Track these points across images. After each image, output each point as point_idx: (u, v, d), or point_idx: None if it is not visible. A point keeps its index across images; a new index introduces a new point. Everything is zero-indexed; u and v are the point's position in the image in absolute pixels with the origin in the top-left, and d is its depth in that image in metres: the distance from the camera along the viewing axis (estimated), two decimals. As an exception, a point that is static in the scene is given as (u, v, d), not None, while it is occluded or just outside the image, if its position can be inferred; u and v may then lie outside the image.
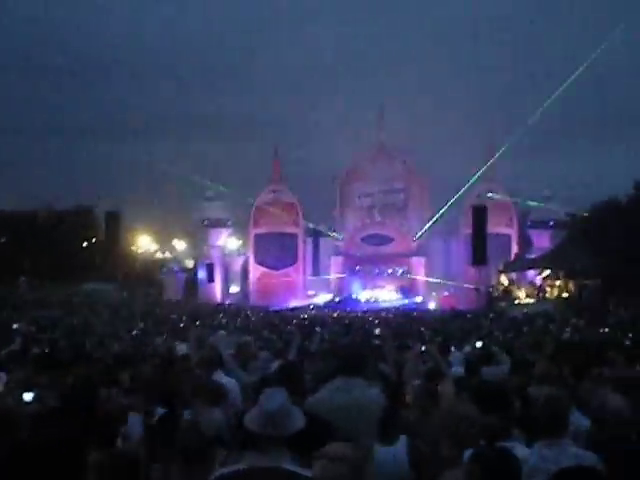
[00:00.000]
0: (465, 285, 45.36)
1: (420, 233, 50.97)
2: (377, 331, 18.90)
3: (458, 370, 7.72)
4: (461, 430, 4.31)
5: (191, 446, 4.45)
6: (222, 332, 17.59)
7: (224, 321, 29.55)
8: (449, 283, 47.23)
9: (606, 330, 21.04)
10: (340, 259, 52.83)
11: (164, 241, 57.21)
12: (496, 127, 42.12)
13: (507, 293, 42.22)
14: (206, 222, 52.80)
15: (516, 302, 40.19)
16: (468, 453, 3.80)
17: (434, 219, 49.86)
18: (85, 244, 60.42)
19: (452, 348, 11.48)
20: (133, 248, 55.34)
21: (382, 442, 5.07)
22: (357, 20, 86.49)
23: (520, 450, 4.25)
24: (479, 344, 11.48)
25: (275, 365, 9.20)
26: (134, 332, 22.26)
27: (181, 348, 11.09)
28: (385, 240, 52.42)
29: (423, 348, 10.90)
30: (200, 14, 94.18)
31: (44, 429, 4.17)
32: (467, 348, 11.05)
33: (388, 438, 5.11)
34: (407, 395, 6.40)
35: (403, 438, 5.10)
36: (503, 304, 39.60)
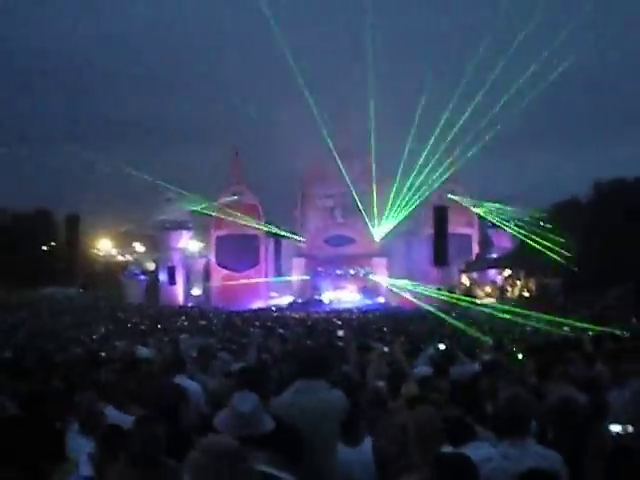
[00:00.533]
0: (427, 285, 45.56)
1: (382, 234, 51.05)
2: (340, 333, 18.92)
3: (422, 370, 7.73)
4: (427, 432, 4.30)
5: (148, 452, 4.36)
6: (184, 335, 17.52)
7: (186, 324, 29.42)
8: (411, 283, 47.39)
9: (566, 329, 21.26)
10: (302, 260, 52.83)
11: (125, 244, 56.78)
12: (457, 128, 42.29)
13: (469, 293, 42.51)
14: (167, 224, 52.47)
15: (478, 302, 40.48)
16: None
17: (397, 220, 49.97)
18: (45, 248, 59.71)
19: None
20: (94, 251, 54.87)
21: (347, 443, 5.06)
22: (318, 22, 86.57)
23: (485, 450, 4.26)
24: (442, 346, 11.51)
25: (236, 366, 9.17)
26: (94, 336, 22.08)
27: (142, 352, 11.01)
28: (347, 241, 52.56)
29: (386, 349, 10.93)
30: (164, 18, 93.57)
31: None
32: (431, 349, 11.07)
33: (353, 439, 5.11)
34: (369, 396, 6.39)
35: (368, 439, 5.09)
36: (464, 304, 39.86)
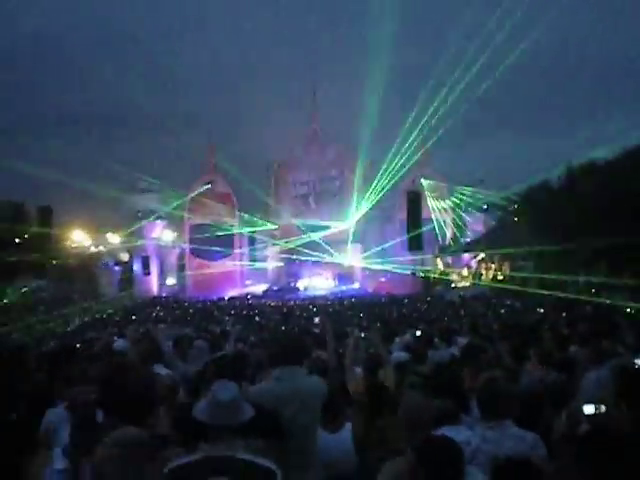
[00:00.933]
0: (401, 270, 45.68)
1: (356, 220, 51.11)
2: (316, 319, 18.94)
3: (400, 356, 7.74)
4: (416, 417, 4.31)
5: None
6: (161, 325, 17.46)
7: (162, 314, 29.33)
8: (385, 268, 47.47)
9: (541, 311, 21.42)
10: (276, 248, 52.81)
11: (97, 235, 56.34)
12: (430, 112, 42.34)
13: (443, 277, 42.72)
14: (140, 214, 52.16)
15: (452, 286, 40.69)
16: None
17: (371, 206, 50.00)
18: (17, 240, 59.11)
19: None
20: (66, 243, 54.39)
21: (326, 429, 5.07)
22: (288, 7, 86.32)
23: (464, 434, 4.28)
24: (418, 333, 11.54)
25: (213, 355, 9.14)
26: (69, 329, 21.99)
27: (118, 344, 10.92)
28: (321, 228, 52.55)
29: (362, 335, 10.94)
30: (138, 12, 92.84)
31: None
32: (407, 335, 11.09)
33: (332, 425, 5.12)
34: (348, 382, 6.39)
35: (348, 425, 5.11)
36: (439, 288, 40.05)
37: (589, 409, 4.37)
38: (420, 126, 44.98)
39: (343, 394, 5.66)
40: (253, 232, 51.72)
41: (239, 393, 3.81)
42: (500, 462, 3.77)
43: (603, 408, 4.38)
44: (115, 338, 12.84)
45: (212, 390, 3.78)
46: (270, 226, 52.70)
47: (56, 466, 4.40)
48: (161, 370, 7.10)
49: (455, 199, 49.99)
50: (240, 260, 52.02)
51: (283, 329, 16.58)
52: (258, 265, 51.76)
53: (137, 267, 51.82)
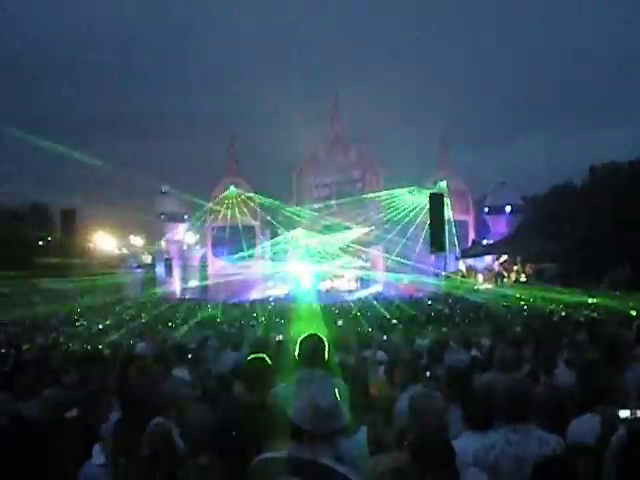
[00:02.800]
0: (422, 274, 45.54)
1: (379, 222, 51.02)
2: (339, 322, 18.93)
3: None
4: (427, 421, 4.29)
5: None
6: (184, 327, 17.58)
7: (185, 316, 29.41)
8: (407, 271, 47.32)
9: (563, 314, 21.27)
10: (299, 250, 52.78)
11: (121, 237, 56.63)
12: (452, 115, 42.32)
13: (465, 279, 42.56)
14: (163, 217, 52.39)
15: (475, 288, 40.50)
16: None
17: (393, 207, 49.88)
18: (41, 243, 59.55)
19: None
20: (90, 245, 54.71)
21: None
22: (309, 9, 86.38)
23: (489, 437, 4.27)
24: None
25: (230, 356, 9.17)
26: (93, 330, 22.09)
27: (141, 346, 11.00)
28: (343, 229, 52.48)
29: (385, 337, 10.93)
30: (157, 14, 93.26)
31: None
32: (425, 340, 11.05)
33: (349, 428, 5.09)
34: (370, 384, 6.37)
35: (364, 428, 5.08)
36: (461, 290, 39.88)
37: (624, 413, 4.33)
38: (444, 128, 44.92)
39: (362, 397, 5.63)
40: (275, 234, 51.75)
41: (337, 397, 3.73)
42: (542, 461, 3.74)
43: (639, 413, 4.34)
44: (138, 340, 12.93)
45: (311, 393, 3.71)
46: (292, 228, 52.68)
47: (95, 461, 4.48)
48: (180, 373, 7.15)
49: (477, 200, 49.83)
50: (262, 263, 52.10)
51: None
52: (280, 267, 51.75)
53: (160, 269, 52.02)
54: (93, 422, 5.17)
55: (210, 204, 51.48)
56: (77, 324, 26.64)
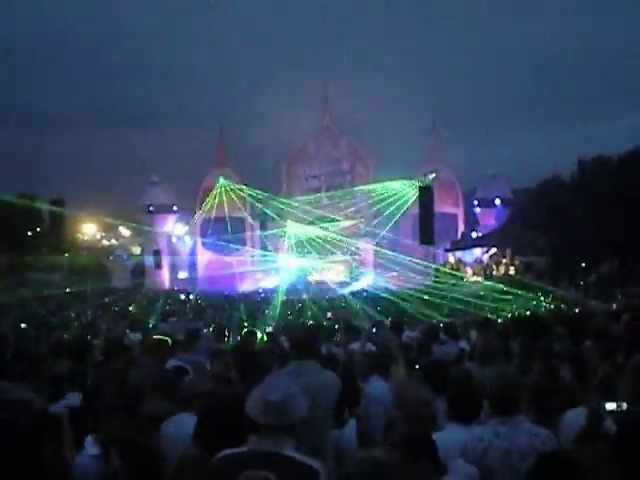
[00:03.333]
0: (412, 264, 45.55)
1: (368, 214, 51.04)
2: (329, 314, 18.98)
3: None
4: (413, 413, 4.31)
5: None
6: (172, 319, 17.56)
7: (174, 308, 29.42)
8: (397, 263, 47.31)
9: (551, 307, 21.39)
10: (289, 242, 52.71)
11: (110, 228, 56.49)
12: (442, 107, 42.33)
13: (454, 272, 42.60)
14: (152, 208, 52.26)
15: (464, 280, 40.57)
16: None
17: (383, 199, 49.88)
18: (30, 234, 59.36)
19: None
20: (78, 236, 54.60)
21: (333, 425, 5.06)
22: (298, 4, 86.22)
23: (475, 430, 4.29)
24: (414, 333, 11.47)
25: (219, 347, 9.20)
26: (82, 321, 22.03)
27: (131, 337, 10.98)
28: (333, 222, 52.47)
29: (374, 329, 10.94)
30: (149, 10, 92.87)
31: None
32: (414, 332, 11.06)
33: (337, 421, 5.10)
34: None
35: (352, 422, 5.09)
36: (451, 283, 39.93)
37: (610, 406, 4.36)
38: (433, 120, 44.91)
39: (352, 390, 5.65)
40: (265, 226, 51.70)
41: (292, 390, 3.78)
42: (542, 456, 3.75)
43: (625, 405, 4.37)
44: (127, 331, 12.92)
45: (263, 388, 3.79)
46: (281, 220, 52.62)
47: (88, 452, 4.52)
48: (175, 363, 7.17)
49: (467, 193, 49.88)
50: (252, 254, 52.06)
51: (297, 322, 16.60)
52: (269, 259, 51.71)
53: (149, 260, 51.92)
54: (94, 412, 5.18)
55: (199, 195, 51.37)
56: (66, 314, 26.56)
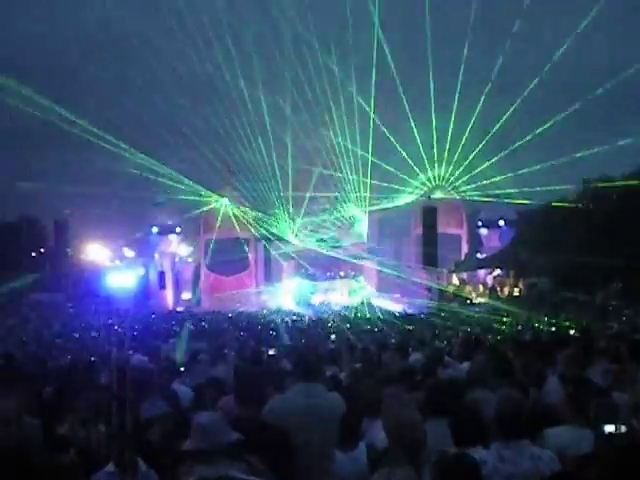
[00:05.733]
0: (416, 286, 45.47)
1: (372, 236, 51.07)
2: (332, 336, 18.92)
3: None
4: (406, 435, 4.29)
5: None
6: (172, 340, 17.49)
7: (177, 329, 29.34)
8: (400, 284, 47.18)
9: (553, 329, 21.29)
10: (292, 263, 52.70)
11: (113, 249, 56.47)
12: (446, 129, 42.39)
13: (458, 293, 42.54)
14: (156, 229, 52.36)
15: (467, 302, 40.50)
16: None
17: (387, 221, 49.91)
18: (34, 254, 59.37)
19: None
20: (82, 257, 54.56)
21: (341, 448, 5.03)
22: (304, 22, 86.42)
23: (478, 453, 4.28)
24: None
25: (218, 369, 9.18)
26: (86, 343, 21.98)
27: (136, 358, 10.97)
28: (336, 242, 52.46)
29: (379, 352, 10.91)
30: (155, 22, 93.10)
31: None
32: (417, 355, 10.98)
33: (347, 444, 5.07)
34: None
35: (362, 445, 5.07)
36: (455, 304, 39.85)
37: (609, 428, 4.36)
38: (437, 141, 45.00)
39: (360, 413, 5.63)
40: (269, 247, 51.73)
41: (219, 415, 3.82)
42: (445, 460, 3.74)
43: (623, 428, 4.37)
44: (130, 352, 12.90)
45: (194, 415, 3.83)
46: (285, 241, 52.64)
47: (106, 469, 4.55)
48: (179, 387, 7.19)
49: (471, 214, 49.92)
50: (255, 275, 52.13)
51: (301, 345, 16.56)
52: (273, 281, 51.74)
53: (152, 281, 51.89)
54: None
55: (204, 216, 51.47)
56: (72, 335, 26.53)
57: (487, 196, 46.16)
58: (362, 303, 48.00)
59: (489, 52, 41.18)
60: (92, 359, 12.23)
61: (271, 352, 12.25)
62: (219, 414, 3.84)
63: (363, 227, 51.53)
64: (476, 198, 46.30)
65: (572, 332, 17.79)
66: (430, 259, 37.76)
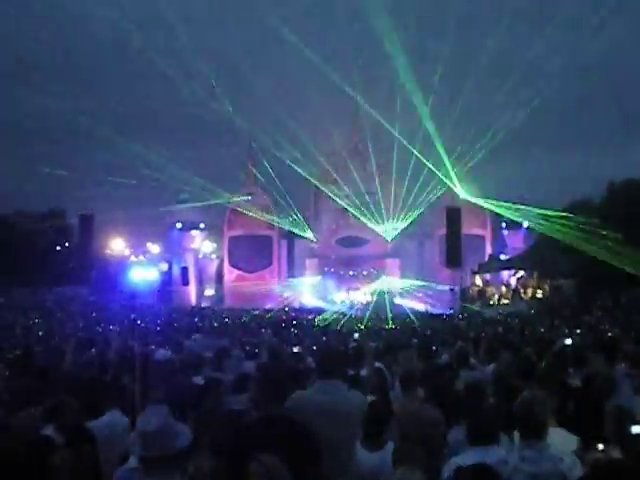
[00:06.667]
0: (439, 287, 45.40)
1: (395, 235, 50.93)
2: (355, 335, 18.89)
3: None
4: (425, 433, 4.30)
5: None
6: (197, 335, 17.55)
7: (200, 324, 29.44)
8: (423, 284, 47.10)
9: (577, 332, 21.13)
10: (315, 261, 52.72)
11: (138, 244, 56.72)
12: (469, 127, 42.12)
13: (481, 294, 42.38)
14: (180, 225, 52.59)
15: (490, 303, 40.34)
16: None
17: (409, 221, 49.76)
18: (58, 248, 59.79)
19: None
20: (107, 251, 54.87)
21: (368, 447, 5.01)
22: (330, 24, 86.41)
23: (497, 453, 4.29)
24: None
25: (249, 365, 9.20)
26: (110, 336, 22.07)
27: (159, 353, 11.03)
28: (359, 242, 52.44)
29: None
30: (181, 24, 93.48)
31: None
32: (445, 356, 10.95)
33: (373, 444, 5.03)
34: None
35: (390, 445, 5.05)
36: (478, 305, 39.71)
37: (636, 429, 4.35)
38: (461, 140, 44.74)
39: (386, 412, 5.61)
40: (292, 245, 51.80)
41: (168, 420, 3.66)
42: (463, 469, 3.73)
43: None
44: (153, 347, 12.95)
45: (139, 420, 3.69)
46: (309, 239, 52.66)
47: (130, 464, 4.55)
48: (200, 381, 7.20)
49: (495, 216, 49.69)
50: (278, 272, 52.21)
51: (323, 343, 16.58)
52: (296, 278, 51.73)
53: (176, 277, 52.10)
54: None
55: (228, 213, 51.62)
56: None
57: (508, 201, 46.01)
58: (385, 302, 47.94)
59: (520, 46, 40.93)
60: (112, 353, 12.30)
61: (295, 350, 12.27)
62: (165, 417, 3.64)
63: (386, 225, 51.34)
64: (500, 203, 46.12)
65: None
66: (453, 260, 37.54)
